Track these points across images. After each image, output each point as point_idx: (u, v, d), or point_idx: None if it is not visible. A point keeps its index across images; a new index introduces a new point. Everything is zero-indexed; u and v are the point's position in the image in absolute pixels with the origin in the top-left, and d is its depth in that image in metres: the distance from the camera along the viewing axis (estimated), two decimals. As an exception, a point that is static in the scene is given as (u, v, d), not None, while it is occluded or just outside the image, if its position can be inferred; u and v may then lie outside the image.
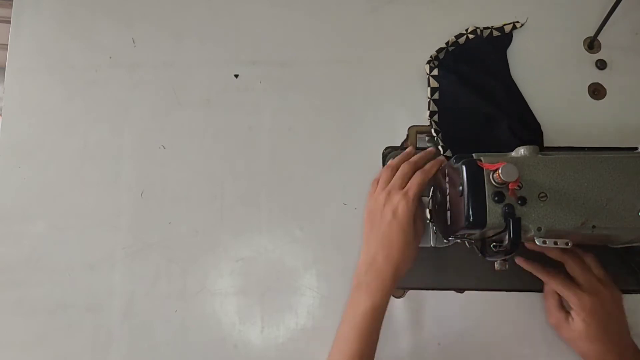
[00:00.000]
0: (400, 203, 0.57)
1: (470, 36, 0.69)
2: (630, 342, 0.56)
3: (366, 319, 0.54)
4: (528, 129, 0.65)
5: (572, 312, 0.57)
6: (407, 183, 0.59)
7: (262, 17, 0.73)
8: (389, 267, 0.55)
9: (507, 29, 0.70)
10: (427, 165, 0.61)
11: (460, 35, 0.69)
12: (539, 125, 0.66)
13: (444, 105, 0.67)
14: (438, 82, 0.67)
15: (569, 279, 0.57)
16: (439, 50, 0.69)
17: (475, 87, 0.66)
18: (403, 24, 0.72)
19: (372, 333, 0.54)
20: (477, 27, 0.69)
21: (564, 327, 0.57)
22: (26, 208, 0.68)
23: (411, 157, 0.62)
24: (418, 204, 0.58)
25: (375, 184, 0.62)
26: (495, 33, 0.69)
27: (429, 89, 0.67)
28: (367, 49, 0.71)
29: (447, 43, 0.69)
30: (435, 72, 0.68)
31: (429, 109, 0.67)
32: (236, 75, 0.68)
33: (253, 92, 0.70)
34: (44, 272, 0.66)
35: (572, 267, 0.58)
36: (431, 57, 0.69)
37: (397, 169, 0.61)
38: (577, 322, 0.56)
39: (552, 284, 0.58)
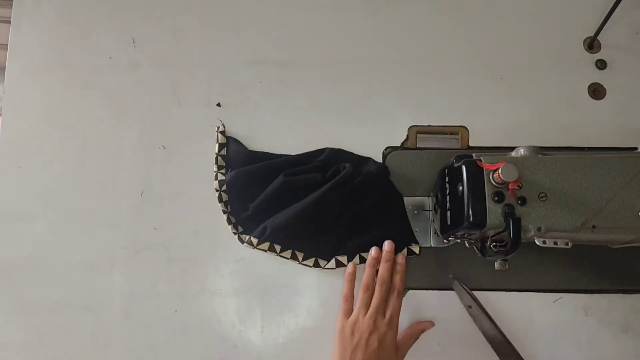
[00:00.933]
0: (388, 333, 0.57)
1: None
2: None
3: None
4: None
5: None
6: (384, 305, 0.58)
7: (262, 17, 0.73)
8: None
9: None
10: (398, 283, 0.60)
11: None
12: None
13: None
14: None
15: None
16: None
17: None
18: (403, 24, 0.72)
19: None
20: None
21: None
22: (26, 208, 0.68)
23: (384, 280, 0.59)
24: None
25: (346, 300, 0.60)
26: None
27: None
28: (367, 49, 0.71)
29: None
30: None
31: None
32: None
33: (253, 92, 0.70)
34: (44, 272, 0.66)
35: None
36: None
37: (371, 288, 0.59)
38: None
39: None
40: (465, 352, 0.62)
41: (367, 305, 0.58)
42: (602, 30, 0.67)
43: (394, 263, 0.61)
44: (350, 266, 0.62)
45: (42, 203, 0.68)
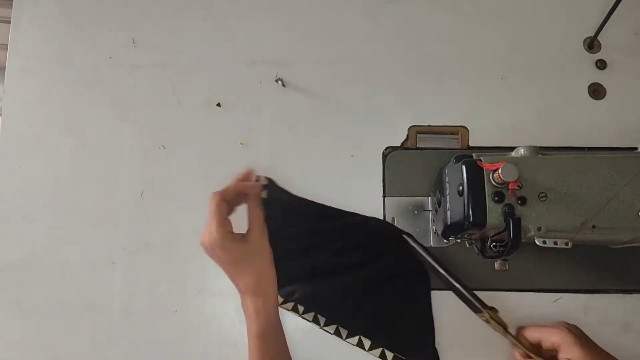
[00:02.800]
0: (209, 228, 0.52)
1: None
2: None
3: (257, 342, 0.51)
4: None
5: (560, 352, 0.54)
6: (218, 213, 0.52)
7: (262, 17, 0.73)
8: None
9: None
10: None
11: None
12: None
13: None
14: None
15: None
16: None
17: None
18: (403, 24, 0.72)
19: (270, 352, 0.52)
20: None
21: None
22: (26, 208, 0.68)
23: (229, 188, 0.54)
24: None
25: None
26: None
27: None
28: (367, 49, 0.71)
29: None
30: None
31: None
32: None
33: (253, 92, 0.70)
34: (44, 272, 0.66)
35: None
36: None
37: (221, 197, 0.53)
38: (574, 352, 0.52)
39: (533, 333, 0.57)
40: (465, 352, 0.62)
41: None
42: (602, 31, 0.67)
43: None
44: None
45: (42, 203, 0.68)
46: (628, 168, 0.51)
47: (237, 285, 0.53)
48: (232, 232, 0.52)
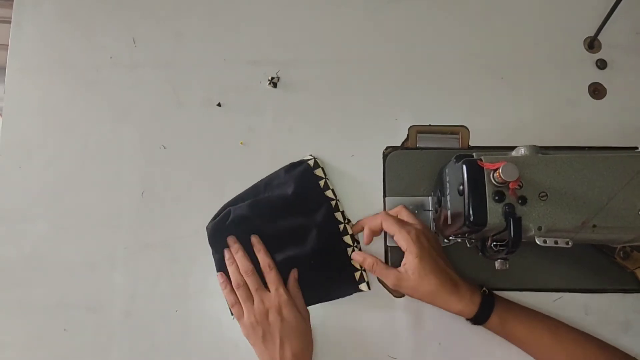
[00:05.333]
0: (282, 302, 0.59)
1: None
2: (455, 273, 0.58)
3: None
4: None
5: (404, 260, 0.57)
6: (260, 284, 0.61)
7: (262, 17, 0.73)
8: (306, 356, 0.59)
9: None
10: (263, 258, 0.62)
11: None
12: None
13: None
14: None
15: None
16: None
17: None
18: (403, 24, 0.72)
19: None
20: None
21: (403, 279, 0.57)
22: (27, 208, 0.68)
23: (245, 268, 0.62)
24: (288, 290, 0.61)
25: (233, 304, 0.62)
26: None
27: None
28: (367, 49, 0.71)
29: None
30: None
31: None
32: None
33: (253, 92, 0.70)
34: (44, 272, 0.66)
35: (389, 225, 0.59)
36: None
37: (244, 282, 0.61)
38: (412, 262, 0.56)
39: (385, 223, 0.60)
40: (465, 352, 0.62)
41: (250, 297, 0.60)
42: (603, 30, 0.67)
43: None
44: (219, 277, 0.63)
45: (42, 203, 0.68)
46: (628, 167, 0.51)
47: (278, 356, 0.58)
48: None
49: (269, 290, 0.60)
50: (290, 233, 0.64)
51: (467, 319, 0.58)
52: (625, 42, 0.70)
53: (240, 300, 0.61)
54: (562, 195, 0.50)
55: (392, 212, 0.63)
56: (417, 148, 0.67)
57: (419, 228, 0.59)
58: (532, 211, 0.50)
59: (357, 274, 0.63)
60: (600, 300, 0.62)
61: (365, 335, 0.63)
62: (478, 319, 0.57)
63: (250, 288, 0.61)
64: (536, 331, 0.57)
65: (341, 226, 0.64)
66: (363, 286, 0.63)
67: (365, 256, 0.61)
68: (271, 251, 0.63)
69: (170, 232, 0.66)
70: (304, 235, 0.63)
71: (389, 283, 0.58)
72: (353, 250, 0.63)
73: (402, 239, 0.58)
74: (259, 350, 0.59)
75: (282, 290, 0.60)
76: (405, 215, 0.61)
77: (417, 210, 0.65)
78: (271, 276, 0.61)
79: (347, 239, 0.64)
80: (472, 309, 0.56)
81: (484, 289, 0.58)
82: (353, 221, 0.65)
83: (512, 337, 0.58)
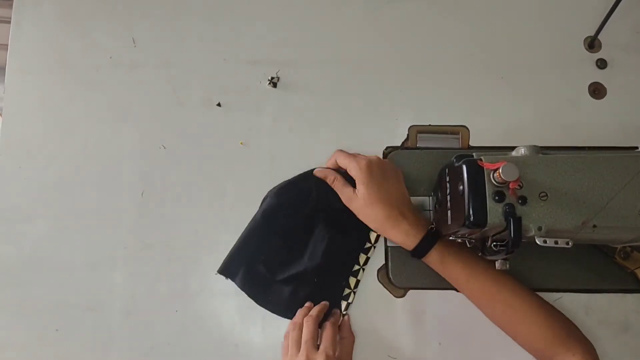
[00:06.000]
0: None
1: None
2: (407, 202, 0.61)
3: None
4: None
5: (356, 183, 0.60)
6: (318, 339, 0.58)
7: (262, 17, 0.73)
8: None
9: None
10: (334, 318, 0.61)
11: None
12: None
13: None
14: None
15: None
16: None
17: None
18: (403, 24, 0.72)
19: None
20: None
21: (353, 199, 0.60)
22: (27, 208, 0.68)
23: (310, 310, 0.61)
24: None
25: (286, 341, 0.60)
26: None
27: None
28: (367, 49, 0.71)
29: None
30: None
31: None
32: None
33: (253, 92, 0.70)
34: (44, 272, 0.66)
35: (342, 159, 0.62)
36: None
37: (301, 324, 0.59)
38: (360, 189, 0.59)
39: (338, 158, 0.62)
40: (465, 352, 0.62)
41: (298, 344, 0.58)
42: (603, 30, 0.67)
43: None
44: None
45: (42, 203, 0.68)
46: (629, 167, 0.50)
47: None
48: None
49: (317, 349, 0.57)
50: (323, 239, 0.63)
51: (408, 251, 0.59)
52: (626, 42, 0.70)
53: (289, 342, 0.59)
54: (563, 195, 0.50)
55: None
56: (417, 148, 0.67)
57: (373, 159, 0.61)
58: (532, 211, 0.49)
59: (347, 291, 0.63)
60: (600, 301, 0.62)
61: (365, 335, 0.63)
62: (417, 252, 0.58)
63: (304, 336, 0.58)
64: (475, 274, 0.58)
65: (368, 245, 0.64)
66: (343, 304, 0.63)
67: (327, 171, 0.63)
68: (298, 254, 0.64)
69: (170, 232, 0.66)
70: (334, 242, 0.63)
71: (343, 199, 0.61)
72: (360, 271, 0.64)
73: (353, 169, 0.60)
74: None
75: (332, 354, 0.56)
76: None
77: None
78: (327, 337, 0.58)
79: (362, 258, 0.64)
80: (413, 241, 0.58)
81: (432, 226, 0.59)
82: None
83: (451, 277, 0.59)
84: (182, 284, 0.65)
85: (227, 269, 0.64)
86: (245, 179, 0.67)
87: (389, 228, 0.58)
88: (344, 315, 0.63)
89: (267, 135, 0.69)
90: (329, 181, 0.62)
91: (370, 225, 0.60)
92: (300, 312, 0.61)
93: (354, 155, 0.62)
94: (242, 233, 0.64)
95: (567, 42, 0.70)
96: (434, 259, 0.58)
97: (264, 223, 0.64)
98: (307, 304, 0.63)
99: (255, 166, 0.68)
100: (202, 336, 0.64)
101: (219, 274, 0.64)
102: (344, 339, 0.61)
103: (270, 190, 0.66)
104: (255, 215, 0.65)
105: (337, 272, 0.63)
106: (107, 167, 0.69)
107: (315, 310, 0.61)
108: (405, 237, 0.58)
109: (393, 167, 0.63)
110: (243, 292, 0.64)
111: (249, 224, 0.65)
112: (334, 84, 0.70)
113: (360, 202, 0.59)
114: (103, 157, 0.69)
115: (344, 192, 0.61)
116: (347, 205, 0.61)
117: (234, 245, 0.64)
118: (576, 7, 0.71)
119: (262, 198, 0.66)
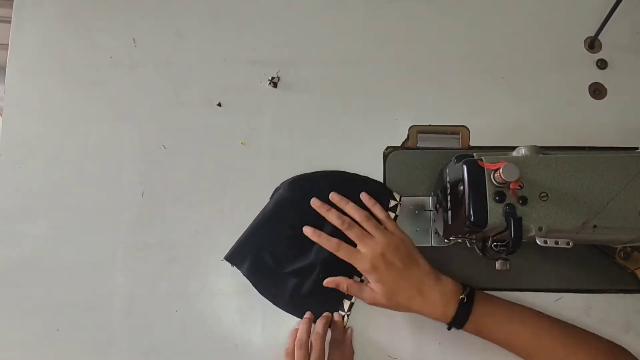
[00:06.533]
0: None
1: None
2: (430, 277, 0.57)
3: None
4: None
5: (370, 281, 0.58)
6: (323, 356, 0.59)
7: (262, 17, 0.73)
8: None
9: None
10: (336, 334, 0.61)
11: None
12: None
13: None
14: None
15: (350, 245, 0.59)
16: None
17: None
18: (403, 24, 0.72)
19: None
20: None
21: (376, 297, 0.57)
22: (27, 208, 0.68)
23: (310, 322, 0.62)
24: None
25: (288, 357, 0.60)
26: None
27: None
28: (367, 49, 0.71)
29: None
30: None
31: None
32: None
33: (253, 92, 0.70)
34: (44, 272, 0.66)
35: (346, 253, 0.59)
36: None
37: (306, 343, 0.59)
38: (375, 287, 0.57)
39: (340, 256, 0.59)
40: (465, 352, 0.62)
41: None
42: (603, 30, 0.67)
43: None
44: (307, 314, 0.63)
45: (42, 203, 0.68)
46: (629, 168, 0.51)
47: None
48: None
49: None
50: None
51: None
52: (626, 42, 0.70)
53: (357, 240, 0.59)
54: (563, 195, 0.50)
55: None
56: (417, 148, 0.67)
57: (376, 249, 0.57)
58: (533, 211, 0.49)
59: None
60: (600, 301, 0.62)
61: (365, 335, 0.63)
62: (454, 325, 0.57)
63: (314, 355, 0.58)
64: (514, 334, 0.56)
65: None
66: (346, 303, 0.63)
67: (338, 280, 0.60)
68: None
69: (170, 232, 0.66)
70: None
71: (366, 301, 0.59)
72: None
73: (359, 266, 0.58)
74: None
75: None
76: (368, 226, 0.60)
77: (417, 210, 0.65)
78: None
79: None
80: (446, 319, 0.56)
81: (462, 296, 0.56)
82: None
83: (491, 340, 0.58)
84: (182, 284, 0.65)
85: (234, 257, 0.64)
86: (245, 179, 0.67)
87: (417, 309, 0.57)
88: (346, 328, 0.63)
89: (267, 135, 0.69)
90: (342, 289, 0.60)
91: (402, 311, 0.58)
92: (302, 327, 0.60)
93: (360, 238, 0.59)
94: (252, 222, 0.65)
95: (568, 42, 0.70)
96: (470, 329, 0.57)
97: (275, 214, 0.64)
98: (307, 315, 0.62)
99: (255, 166, 0.68)
100: (202, 336, 0.64)
101: (225, 260, 0.64)
102: (345, 353, 0.61)
103: (284, 182, 0.66)
104: (267, 205, 0.65)
105: (342, 269, 0.62)
106: (107, 167, 0.68)
107: (320, 326, 0.60)
108: (438, 314, 0.56)
109: (396, 241, 0.59)
110: (243, 292, 0.64)
111: (259, 214, 0.65)
112: (334, 84, 0.70)
113: (384, 300, 0.57)
114: (103, 157, 0.69)
115: (364, 296, 0.58)
116: (373, 305, 0.58)
117: (243, 233, 0.64)
118: (576, 7, 0.71)
119: (274, 189, 0.66)
